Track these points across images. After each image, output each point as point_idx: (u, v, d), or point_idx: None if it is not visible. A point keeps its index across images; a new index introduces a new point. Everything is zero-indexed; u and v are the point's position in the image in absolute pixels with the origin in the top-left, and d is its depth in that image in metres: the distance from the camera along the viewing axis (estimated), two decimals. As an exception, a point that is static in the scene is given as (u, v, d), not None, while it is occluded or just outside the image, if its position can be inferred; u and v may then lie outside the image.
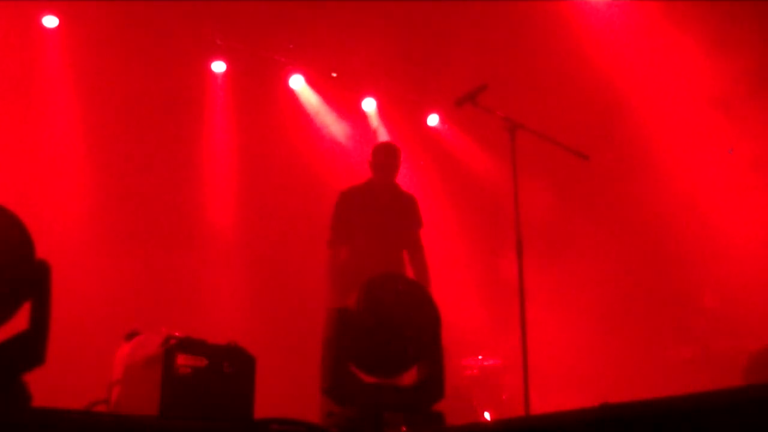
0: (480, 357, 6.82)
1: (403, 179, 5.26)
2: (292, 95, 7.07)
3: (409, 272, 4.85)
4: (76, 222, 6.42)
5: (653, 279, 6.54)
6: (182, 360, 2.02)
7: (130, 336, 3.15)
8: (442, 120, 7.75)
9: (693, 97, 6.40)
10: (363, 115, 7.42)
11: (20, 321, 2.77)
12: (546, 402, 5.78)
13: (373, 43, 6.43)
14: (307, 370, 7.07)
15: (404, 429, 2.23)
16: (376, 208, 4.70)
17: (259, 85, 6.93)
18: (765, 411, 1.06)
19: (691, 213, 6.46)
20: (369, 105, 7.36)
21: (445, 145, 7.89)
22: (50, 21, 6.01)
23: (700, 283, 6.29)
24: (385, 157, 4.79)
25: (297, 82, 6.98)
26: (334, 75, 7.03)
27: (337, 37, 6.38)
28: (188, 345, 2.10)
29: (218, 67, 6.72)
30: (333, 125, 7.32)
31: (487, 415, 6.02)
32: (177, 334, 3.15)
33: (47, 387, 6.10)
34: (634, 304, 6.64)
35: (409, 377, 2.73)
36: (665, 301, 6.41)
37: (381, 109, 7.43)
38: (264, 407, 7.03)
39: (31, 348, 2.06)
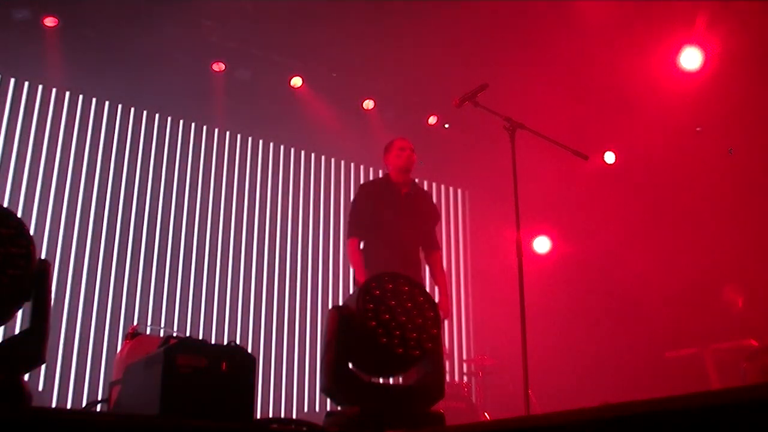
0: (480, 357, 6.83)
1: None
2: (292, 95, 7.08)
3: (425, 269, 4.85)
4: (76, 222, 6.43)
5: (653, 279, 6.54)
6: (182, 360, 2.01)
7: (130, 336, 3.15)
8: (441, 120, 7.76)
9: (693, 97, 6.40)
10: (363, 115, 7.44)
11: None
12: (546, 402, 5.78)
13: (373, 43, 6.44)
14: (307, 370, 7.12)
15: (404, 429, 2.22)
16: (394, 203, 4.69)
17: (259, 85, 6.93)
18: (765, 411, 1.06)
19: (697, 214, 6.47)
20: (369, 105, 7.38)
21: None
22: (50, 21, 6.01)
23: (702, 283, 6.30)
24: (400, 151, 4.77)
25: (297, 82, 6.99)
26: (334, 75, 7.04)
27: (337, 37, 6.38)
28: (188, 345, 2.09)
29: (218, 67, 6.73)
30: None
31: (487, 415, 6.02)
32: (177, 334, 3.15)
33: (47, 387, 6.09)
34: (635, 305, 6.64)
35: (409, 377, 2.73)
36: (666, 301, 6.41)
37: (381, 109, 7.44)
38: (264, 407, 7.02)
39: (31, 348, 2.06)
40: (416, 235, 4.71)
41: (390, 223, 4.59)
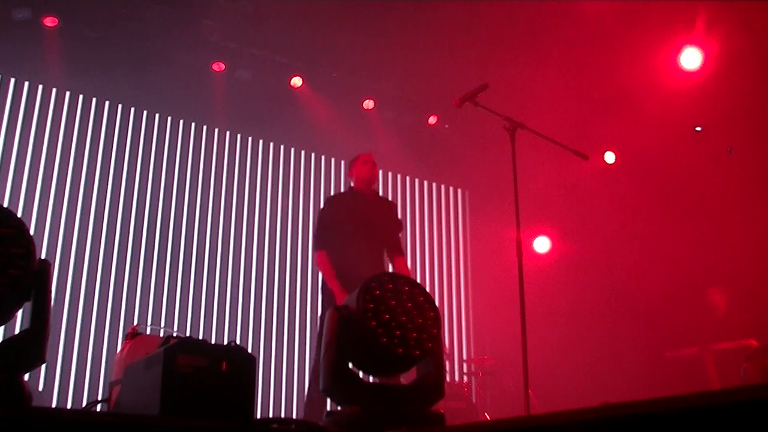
0: (480, 357, 6.83)
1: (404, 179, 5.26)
2: (292, 95, 7.08)
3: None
4: (76, 222, 6.43)
5: (653, 279, 6.54)
6: (182, 360, 2.01)
7: (130, 336, 3.15)
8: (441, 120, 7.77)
9: (693, 97, 6.40)
10: (363, 115, 7.44)
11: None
12: (546, 402, 5.78)
13: (373, 43, 6.44)
14: (307, 370, 7.11)
15: (404, 429, 2.22)
16: (360, 213, 4.77)
17: (259, 85, 6.93)
18: (765, 411, 1.06)
19: (694, 214, 6.47)
20: (369, 105, 7.39)
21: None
22: (50, 21, 6.02)
23: (702, 283, 6.29)
24: (363, 164, 4.86)
25: (297, 82, 6.99)
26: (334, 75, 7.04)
27: (338, 37, 6.38)
28: (188, 345, 2.09)
29: (218, 67, 6.73)
30: None
31: (487, 415, 6.02)
32: (177, 334, 3.15)
33: (47, 387, 6.09)
34: (635, 305, 6.64)
35: (409, 377, 2.73)
36: (666, 301, 6.40)
37: (381, 109, 7.44)
38: (264, 407, 7.03)
39: (31, 348, 2.06)
40: (382, 239, 4.79)
41: (356, 227, 4.67)
